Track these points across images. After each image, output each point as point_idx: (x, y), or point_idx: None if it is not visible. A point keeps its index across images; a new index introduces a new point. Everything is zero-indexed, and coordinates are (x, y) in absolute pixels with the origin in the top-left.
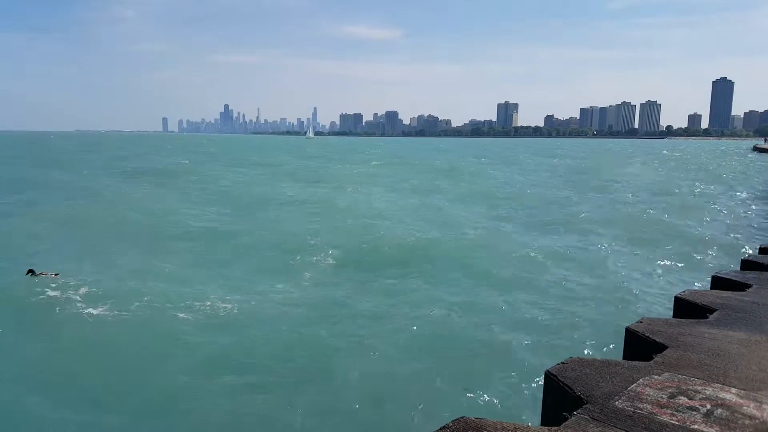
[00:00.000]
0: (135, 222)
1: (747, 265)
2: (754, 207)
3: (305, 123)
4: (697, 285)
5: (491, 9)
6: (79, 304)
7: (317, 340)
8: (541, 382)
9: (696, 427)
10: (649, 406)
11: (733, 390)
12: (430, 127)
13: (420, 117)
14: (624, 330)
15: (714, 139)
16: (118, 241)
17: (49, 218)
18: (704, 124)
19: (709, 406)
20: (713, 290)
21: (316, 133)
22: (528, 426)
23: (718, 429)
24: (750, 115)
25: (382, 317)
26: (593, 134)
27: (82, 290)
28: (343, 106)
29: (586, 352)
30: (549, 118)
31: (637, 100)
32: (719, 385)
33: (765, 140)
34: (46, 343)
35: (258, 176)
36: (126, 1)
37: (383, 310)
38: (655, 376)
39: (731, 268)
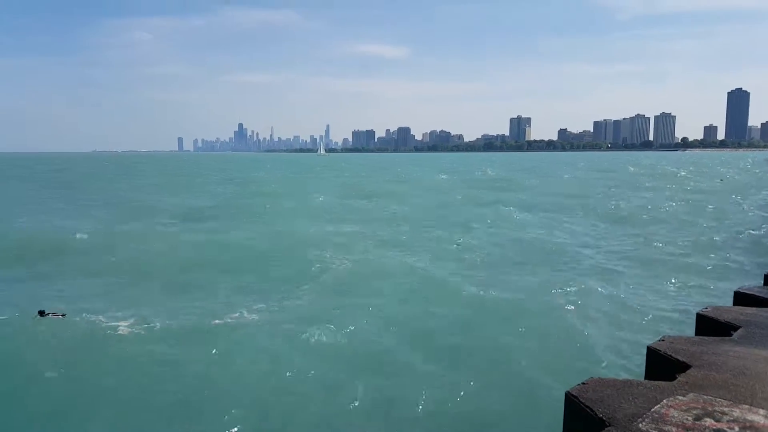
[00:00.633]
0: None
1: None
2: None
3: (318, 140)
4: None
5: (502, 25)
6: None
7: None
8: (562, 403)
9: None
10: (674, 429)
11: (761, 411)
12: (442, 142)
13: (432, 132)
14: (645, 349)
15: (730, 150)
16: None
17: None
18: (720, 135)
19: (737, 429)
20: (736, 306)
21: (329, 150)
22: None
23: None
24: (767, 125)
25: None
26: (607, 147)
27: None
28: (356, 122)
29: (604, 372)
30: (562, 132)
31: (651, 113)
32: (747, 407)
33: None
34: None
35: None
36: (144, 25)
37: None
38: (680, 397)
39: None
